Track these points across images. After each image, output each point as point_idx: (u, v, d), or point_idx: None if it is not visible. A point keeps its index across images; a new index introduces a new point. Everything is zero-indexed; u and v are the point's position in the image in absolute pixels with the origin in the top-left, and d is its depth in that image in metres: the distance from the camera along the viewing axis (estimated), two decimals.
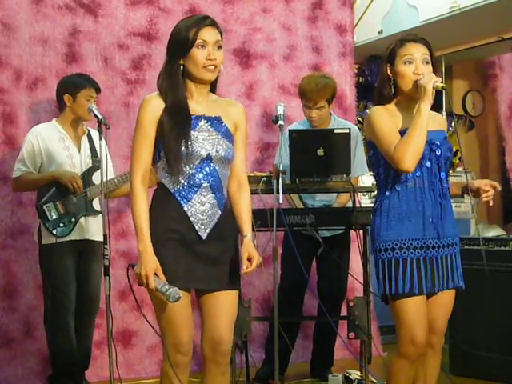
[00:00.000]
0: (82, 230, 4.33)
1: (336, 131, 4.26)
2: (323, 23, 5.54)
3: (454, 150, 6.31)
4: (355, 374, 4.54)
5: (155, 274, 2.74)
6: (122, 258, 4.91)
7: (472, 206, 6.17)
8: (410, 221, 3.06)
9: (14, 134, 4.78)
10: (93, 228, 4.35)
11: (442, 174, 3.10)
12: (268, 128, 5.34)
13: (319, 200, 4.61)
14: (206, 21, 2.83)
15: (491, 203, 3.17)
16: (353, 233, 4.44)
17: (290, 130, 4.26)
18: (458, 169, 6.59)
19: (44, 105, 4.83)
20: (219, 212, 2.87)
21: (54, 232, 4.24)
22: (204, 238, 2.83)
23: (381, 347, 5.14)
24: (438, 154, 3.08)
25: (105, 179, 3.81)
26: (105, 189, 3.82)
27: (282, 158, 4.16)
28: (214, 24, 2.85)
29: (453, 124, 6.65)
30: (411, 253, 3.05)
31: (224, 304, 2.88)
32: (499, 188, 3.20)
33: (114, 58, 5.03)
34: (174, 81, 2.84)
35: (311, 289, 4.76)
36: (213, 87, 2.95)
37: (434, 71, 3.09)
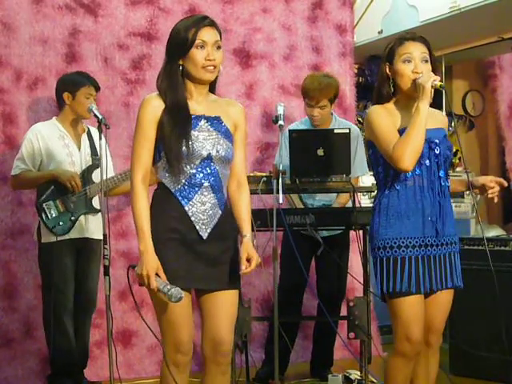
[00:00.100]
0: (81, 228, 4.33)
1: (336, 131, 4.26)
2: (323, 23, 5.54)
3: (454, 149, 6.34)
4: (355, 374, 4.54)
5: (156, 274, 2.74)
6: (122, 257, 4.91)
7: (473, 205, 6.18)
8: (409, 219, 3.07)
9: (14, 133, 4.78)
10: (92, 226, 4.35)
11: (441, 172, 3.10)
12: (268, 128, 5.34)
13: (319, 200, 4.61)
14: (205, 21, 2.83)
15: (496, 200, 3.17)
16: (352, 233, 4.44)
17: (289, 130, 4.26)
18: (458, 169, 6.59)
19: (44, 105, 4.83)
20: (220, 212, 2.88)
21: (54, 230, 4.24)
22: (205, 237, 2.83)
23: (381, 347, 5.14)
24: (437, 152, 3.08)
25: (104, 178, 3.81)
26: (105, 187, 3.82)
27: (282, 157, 4.17)
28: (213, 24, 2.85)
29: (453, 124, 6.67)
30: (410, 251, 3.06)
31: (224, 304, 2.88)
32: (505, 184, 3.19)
33: (113, 58, 5.03)
34: (174, 81, 2.84)
35: (311, 289, 4.76)
36: (212, 87, 2.95)
37: (433, 70, 3.09)
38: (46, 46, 4.88)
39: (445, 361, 4.43)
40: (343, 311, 4.59)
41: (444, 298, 3.15)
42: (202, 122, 2.86)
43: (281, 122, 3.78)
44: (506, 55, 6.35)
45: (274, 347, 3.77)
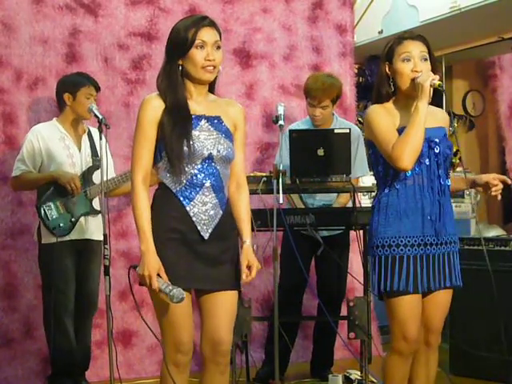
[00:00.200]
0: (81, 229, 4.33)
1: (336, 131, 4.26)
2: (323, 23, 5.54)
3: (455, 149, 6.34)
4: (355, 374, 4.55)
5: (158, 274, 2.74)
6: (122, 257, 4.91)
7: (472, 205, 6.18)
8: (409, 218, 3.07)
9: (14, 133, 4.78)
10: (92, 227, 4.34)
11: (441, 171, 3.10)
12: (268, 128, 5.34)
13: (319, 200, 4.61)
14: (204, 21, 2.83)
15: (499, 197, 3.17)
16: (353, 233, 4.44)
17: (290, 130, 4.26)
18: (459, 169, 6.59)
19: (44, 105, 4.83)
20: (221, 212, 2.88)
21: (54, 231, 4.24)
22: (206, 238, 2.83)
23: (381, 347, 5.14)
24: (436, 151, 3.08)
25: (105, 179, 3.81)
26: (105, 188, 3.82)
27: (283, 158, 4.17)
28: (212, 24, 2.85)
29: (453, 124, 6.68)
30: (408, 250, 3.06)
31: (224, 304, 2.88)
32: (509, 181, 3.19)
33: (114, 58, 5.03)
34: (173, 81, 2.84)
35: (311, 289, 4.76)
36: (211, 87, 2.95)
37: (433, 68, 3.09)
38: (46, 46, 4.88)
39: (445, 361, 4.43)
40: (343, 311, 4.59)
41: (443, 298, 3.16)
42: (203, 121, 2.86)
43: (281, 122, 3.78)
44: (506, 55, 6.36)
45: (274, 347, 3.77)
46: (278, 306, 3.77)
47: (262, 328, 5.06)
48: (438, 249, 3.09)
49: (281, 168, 3.84)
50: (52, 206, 4.27)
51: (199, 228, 2.83)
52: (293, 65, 5.47)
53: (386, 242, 3.08)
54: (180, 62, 2.83)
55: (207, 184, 2.84)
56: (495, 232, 5.64)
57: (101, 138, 3.82)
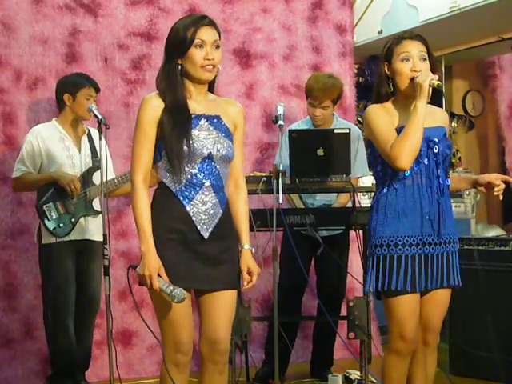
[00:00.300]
0: (81, 229, 4.33)
1: (336, 131, 4.27)
2: (323, 23, 5.54)
3: (454, 149, 6.34)
4: (355, 374, 4.55)
5: (158, 274, 2.74)
6: (121, 257, 4.91)
7: (472, 205, 6.18)
8: (407, 218, 3.07)
9: (14, 134, 4.78)
10: (92, 228, 4.34)
11: (440, 171, 3.10)
12: (268, 128, 5.34)
13: (320, 199, 4.61)
14: (204, 20, 2.83)
15: (501, 197, 3.18)
16: (352, 233, 4.44)
17: (289, 130, 4.26)
18: (458, 169, 6.60)
19: (44, 105, 4.83)
20: (221, 211, 2.88)
21: (54, 232, 4.24)
22: (206, 237, 2.83)
23: (381, 347, 5.14)
24: (435, 151, 3.08)
25: (105, 179, 3.82)
26: (105, 189, 3.82)
27: (282, 158, 4.17)
28: (212, 24, 2.85)
29: (453, 124, 6.68)
30: (407, 249, 3.06)
31: (222, 303, 2.88)
32: (511, 180, 3.19)
33: (114, 58, 5.03)
34: (173, 81, 2.84)
35: (311, 289, 4.76)
36: (211, 87, 2.94)
37: (432, 68, 3.09)
38: (46, 45, 4.88)
39: (445, 361, 4.43)
40: (343, 311, 4.59)
41: (441, 297, 3.16)
42: (202, 121, 2.86)
43: (281, 122, 3.79)
44: (506, 55, 6.36)
45: (273, 347, 3.77)
46: (277, 306, 3.78)
47: (261, 328, 5.06)
48: (436, 248, 3.09)
49: (281, 168, 3.84)
50: (52, 206, 4.27)
51: (199, 228, 2.83)
52: (293, 65, 5.46)
53: (385, 241, 3.08)
54: (179, 62, 2.83)
55: (207, 183, 2.84)
56: (495, 232, 5.64)
57: (100, 139, 3.83)
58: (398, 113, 3.12)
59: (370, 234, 3.16)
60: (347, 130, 4.20)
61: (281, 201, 3.78)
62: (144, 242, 2.77)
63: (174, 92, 2.82)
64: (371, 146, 3.15)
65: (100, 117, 3.86)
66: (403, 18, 5.43)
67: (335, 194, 4.60)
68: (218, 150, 2.84)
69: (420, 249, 3.07)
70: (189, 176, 2.82)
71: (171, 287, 2.72)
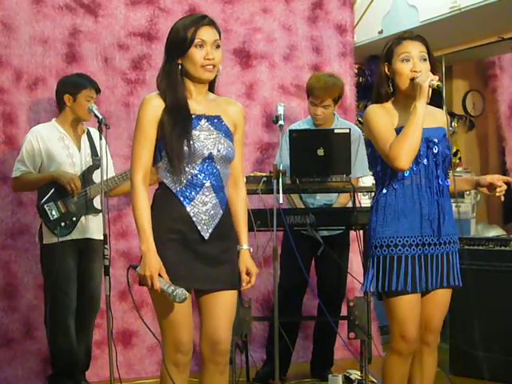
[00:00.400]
0: (82, 228, 4.33)
1: (336, 131, 4.27)
2: (323, 23, 5.54)
3: (454, 149, 6.35)
4: (355, 374, 4.55)
5: (159, 274, 2.74)
6: (122, 257, 4.91)
7: (472, 205, 6.18)
8: (407, 218, 3.07)
9: (14, 133, 4.78)
10: (93, 226, 4.34)
11: (439, 171, 3.10)
12: (268, 128, 5.34)
13: (320, 199, 4.61)
14: (204, 20, 2.83)
15: (503, 198, 3.18)
16: (353, 233, 4.44)
17: (289, 130, 4.26)
18: (459, 169, 6.60)
19: (44, 105, 4.83)
20: (221, 212, 2.87)
21: (56, 232, 4.24)
22: (206, 238, 2.83)
23: (381, 347, 5.14)
24: (435, 151, 3.09)
25: (105, 178, 3.82)
26: (105, 187, 3.82)
27: (283, 158, 4.17)
28: (212, 23, 2.85)
29: (453, 124, 6.68)
30: (406, 250, 3.06)
31: (223, 304, 2.88)
32: (502, 186, 3.19)
33: (114, 58, 5.03)
34: (173, 80, 2.84)
35: (311, 289, 4.76)
36: (211, 86, 2.94)
37: (432, 68, 3.09)
38: (46, 46, 4.88)
39: (445, 361, 4.43)
40: (343, 311, 4.59)
41: (442, 297, 3.16)
42: (203, 121, 2.86)
43: (281, 122, 3.79)
44: (506, 55, 6.36)
45: (274, 347, 3.77)
46: (278, 306, 3.77)
47: (262, 328, 5.06)
48: (436, 249, 3.10)
49: (281, 168, 3.84)
50: (53, 206, 4.27)
51: (199, 228, 2.83)
52: (293, 65, 5.47)
53: (385, 242, 3.08)
54: (179, 62, 2.83)
55: (207, 184, 2.84)
56: (495, 232, 5.65)
57: (101, 138, 3.83)
58: (397, 113, 3.12)
59: (369, 234, 3.17)
60: (347, 130, 4.20)
61: (281, 201, 3.78)
62: (144, 242, 2.77)
63: (174, 92, 2.82)
64: (371, 146, 3.15)
65: (100, 117, 3.86)
66: (403, 18, 5.42)
67: (335, 194, 4.60)
68: (218, 151, 2.84)
69: (420, 249, 3.07)
70: (189, 176, 2.82)
71: (172, 287, 2.72)
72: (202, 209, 2.83)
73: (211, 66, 2.82)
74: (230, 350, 2.92)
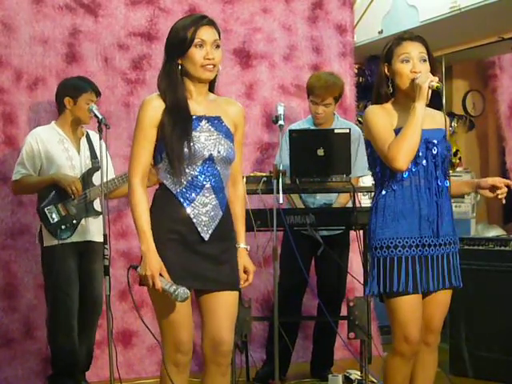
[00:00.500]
0: (83, 231, 4.33)
1: (336, 131, 4.27)
2: (323, 23, 5.54)
3: (454, 150, 6.35)
4: (355, 374, 4.55)
5: (160, 274, 2.74)
6: (121, 257, 4.91)
7: (472, 205, 6.18)
8: (406, 219, 3.07)
9: (14, 134, 4.78)
10: (94, 229, 4.34)
11: (439, 172, 3.10)
12: (268, 128, 5.34)
13: (320, 198, 4.62)
14: (203, 20, 2.83)
15: (504, 201, 3.18)
16: (353, 233, 4.44)
17: (289, 130, 4.26)
18: (459, 169, 6.60)
19: (44, 105, 4.83)
20: (221, 213, 2.87)
21: (56, 234, 4.24)
22: (206, 239, 2.83)
23: (381, 347, 5.14)
24: (434, 152, 3.08)
25: (105, 179, 3.82)
26: (105, 189, 3.82)
27: (283, 158, 4.17)
28: (211, 23, 2.85)
29: (453, 124, 6.68)
30: (406, 251, 3.06)
31: (224, 304, 2.87)
32: (502, 189, 3.19)
33: (114, 58, 5.03)
34: (173, 80, 2.83)
35: (311, 289, 4.76)
36: (211, 87, 2.94)
37: (432, 69, 3.09)
38: (46, 46, 4.87)
39: (445, 361, 4.43)
40: (343, 311, 4.59)
41: (442, 298, 3.15)
42: (203, 122, 2.86)
43: (281, 122, 3.79)
44: (506, 55, 6.36)
45: (274, 347, 3.77)
46: (277, 306, 3.77)
47: (262, 328, 5.06)
48: (436, 250, 3.09)
49: (281, 168, 3.85)
50: (53, 209, 4.27)
51: (199, 229, 2.83)
52: (293, 65, 5.46)
53: (384, 243, 3.08)
54: (179, 62, 2.83)
55: (207, 185, 2.84)
56: (495, 232, 5.65)
57: (101, 138, 3.83)
58: (397, 114, 3.12)
59: (369, 236, 3.17)
60: (347, 130, 4.20)
61: (281, 201, 3.78)
62: (144, 243, 2.77)
63: (174, 92, 2.82)
64: (370, 146, 3.15)
65: (100, 117, 3.86)
66: (403, 18, 5.42)
67: (335, 194, 4.60)
68: (218, 152, 2.84)
69: (420, 250, 3.07)
70: (189, 178, 2.82)
71: (174, 286, 2.71)
72: (202, 210, 2.83)
73: (211, 66, 2.82)
74: (232, 350, 2.92)
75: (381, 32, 5.61)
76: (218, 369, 2.88)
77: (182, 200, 2.82)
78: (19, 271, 4.75)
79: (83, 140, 4.42)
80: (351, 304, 4.25)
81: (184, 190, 2.83)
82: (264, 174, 4.22)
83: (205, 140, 2.83)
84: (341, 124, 4.60)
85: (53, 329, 4.30)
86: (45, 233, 4.28)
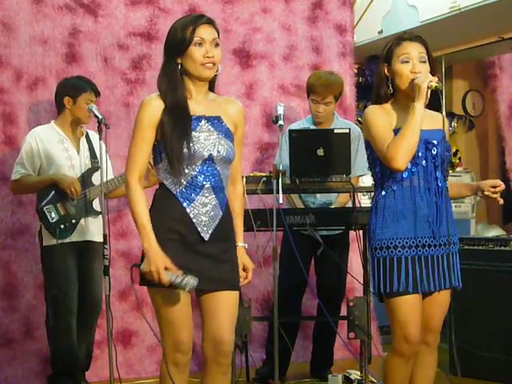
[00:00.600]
0: (82, 231, 4.33)
1: (336, 131, 4.27)
2: (323, 23, 5.54)
3: (454, 150, 6.35)
4: (355, 374, 4.55)
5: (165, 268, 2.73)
6: (121, 257, 4.91)
7: (472, 205, 6.18)
8: (406, 219, 3.07)
9: (14, 134, 4.78)
10: (93, 229, 4.34)
11: (438, 173, 3.10)
12: (268, 128, 5.34)
13: (320, 198, 4.62)
14: (202, 19, 2.84)
15: (502, 201, 3.18)
16: (352, 233, 4.44)
17: (289, 130, 4.26)
18: (458, 169, 6.60)
19: (44, 105, 4.83)
20: (221, 213, 2.87)
21: (56, 234, 4.24)
22: (206, 239, 2.83)
23: (381, 347, 5.13)
24: (434, 153, 3.09)
25: (104, 179, 3.82)
26: (105, 189, 3.82)
27: (282, 158, 4.17)
28: (210, 22, 2.85)
29: (453, 124, 6.68)
30: (406, 251, 3.06)
31: (225, 304, 2.87)
32: (501, 186, 3.19)
33: (113, 58, 5.03)
34: (173, 80, 2.83)
35: (311, 289, 4.76)
36: (211, 86, 2.94)
37: (432, 69, 3.10)
38: (46, 46, 4.88)
39: (445, 361, 4.44)
40: (343, 311, 4.59)
41: (442, 298, 3.15)
42: (203, 122, 2.86)
43: (281, 122, 3.79)
44: (506, 55, 6.36)
45: (273, 347, 3.77)
46: (277, 306, 3.77)
47: (262, 328, 5.06)
48: (436, 250, 3.09)
49: (281, 168, 3.84)
50: (53, 208, 4.27)
51: (199, 229, 2.83)
52: (293, 65, 5.47)
53: (384, 243, 3.08)
54: (179, 61, 2.83)
55: (207, 185, 2.84)
56: (495, 232, 5.65)
57: (101, 139, 3.83)
58: (396, 114, 3.12)
59: (369, 236, 3.17)
60: (347, 130, 4.20)
61: (281, 201, 3.78)
62: (146, 239, 2.77)
63: (174, 91, 2.82)
64: (370, 147, 3.15)
65: (100, 117, 3.86)
66: (403, 18, 5.42)
67: (335, 194, 4.60)
68: (218, 152, 2.84)
69: (420, 250, 3.07)
70: (189, 178, 2.82)
71: (180, 277, 2.70)
72: (201, 210, 2.83)
73: (211, 64, 2.82)
74: (232, 350, 2.92)
75: (381, 32, 5.61)
76: (219, 368, 2.87)
77: (181, 200, 2.82)
78: (19, 271, 4.75)
79: (83, 140, 4.42)
80: (351, 304, 4.25)
81: (184, 190, 2.83)
82: (264, 174, 4.22)
83: (204, 140, 2.83)
84: (340, 124, 4.60)
85: (52, 328, 4.30)
86: (44, 232, 4.29)
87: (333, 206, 4.59)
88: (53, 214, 4.26)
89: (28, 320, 4.73)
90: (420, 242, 3.07)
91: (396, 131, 3.05)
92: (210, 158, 2.83)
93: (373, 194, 3.34)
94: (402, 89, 3.09)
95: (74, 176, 4.30)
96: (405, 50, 3.08)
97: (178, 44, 2.82)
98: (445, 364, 4.38)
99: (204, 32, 2.81)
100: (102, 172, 3.80)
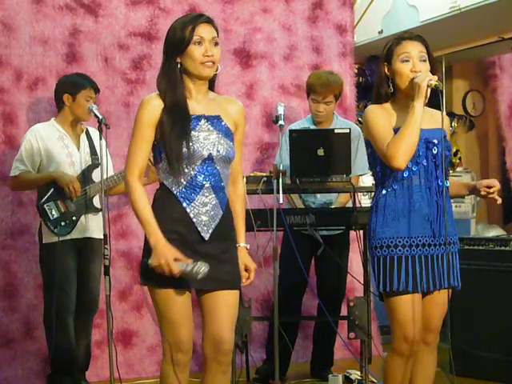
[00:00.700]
0: (82, 228, 4.33)
1: (336, 131, 4.27)
2: (323, 23, 5.54)
3: (454, 150, 6.35)
4: (355, 374, 4.55)
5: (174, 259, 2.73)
6: (121, 257, 4.91)
7: (472, 205, 6.18)
8: (406, 219, 3.07)
9: (14, 133, 4.78)
10: (93, 225, 4.34)
11: (439, 172, 3.10)
12: (268, 128, 5.34)
13: (320, 198, 4.62)
14: (201, 18, 2.84)
15: (500, 200, 3.18)
16: (353, 232, 4.44)
17: (289, 130, 4.26)
18: (459, 169, 6.60)
19: (44, 105, 4.83)
20: (221, 212, 2.87)
21: (56, 231, 4.24)
22: (206, 238, 2.83)
23: (381, 347, 5.14)
24: (434, 152, 3.09)
25: (105, 176, 3.82)
26: (105, 186, 3.82)
27: (283, 158, 4.17)
28: (209, 21, 2.86)
29: (453, 124, 6.68)
30: (406, 250, 3.06)
31: (225, 303, 2.87)
32: (496, 186, 3.18)
33: (114, 58, 5.03)
34: (172, 79, 2.84)
35: (311, 289, 4.76)
36: (211, 86, 2.94)
37: (432, 68, 3.10)
38: (47, 46, 4.88)
39: (445, 361, 4.43)
40: (343, 311, 4.59)
41: (442, 297, 3.15)
42: (202, 121, 2.86)
43: (281, 122, 3.79)
44: (506, 55, 6.36)
45: (274, 347, 3.77)
46: (277, 306, 3.77)
47: (262, 328, 5.06)
48: (436, 249, 3.10)
49: (281, 168, 3.85)
50: (53, 205, 4.27)
51: (199, 229, 2.82)
52: (293, 65, 5.47)
53: (385, 242, 3.08)
54: (179, 60, 2.83)
55: (207, 185, 2.83)
56: (495, 232, 5.65)
57: (101, 139, 3.83)
58: (396, 113, 3.12)
59: (370, 235, 3.17)
60: (347, 130, 4.20)
61: (281, 201, 3.78)
62: (152, 234, 2.76)
63: (174, 90, 2.82)
64: (370, 146, 3.15)
65: (100, 117, 3.86)
66: (403, 18, 5.42)
67: (335, 194, 4.60)
68: (218, 151, 2.84)
69: (420, 250, 3.07)
70: (189, 178, 2.82)
71: (191, 265, 2.70)
72: (201, 210, 2.83)
73: (210, 63, 2.82)
74: (232, 349, 2.92)
75: (381, 32, 5.61)
76: (219, 367, 2.88)
77: (181, 200, 2.82)
78: (19, 271, 4.75)
79: (83, 136, 4.42)
80: (351, 304, 4.25)
81: (184, 189, 2.83)
82: (264, 174, 4.22)
83: (204, 139, 2.83)
84: (340, 123, 4.60)
85: (50, 327, 4.30)
86: (44, 230, 4.29)
87: (333, 206, 4.59)
88: (53, 211, 4.26)
89: (28, 320, 4.73)
90: (420, 241, 3.08)
91: (396, 130, 3.05)
92: (210, 158, 2.83)
93: (373, 193, 3.34)
94: (402, 88, 3.09)
95: (75, 173, 4.30)
96: (405, 49, 3.08)
97: (177, 43, 2.82)
98: (445, 364, 4.37)
99: (203, 31, 2.81)
100: (103, 173, 3.80)
